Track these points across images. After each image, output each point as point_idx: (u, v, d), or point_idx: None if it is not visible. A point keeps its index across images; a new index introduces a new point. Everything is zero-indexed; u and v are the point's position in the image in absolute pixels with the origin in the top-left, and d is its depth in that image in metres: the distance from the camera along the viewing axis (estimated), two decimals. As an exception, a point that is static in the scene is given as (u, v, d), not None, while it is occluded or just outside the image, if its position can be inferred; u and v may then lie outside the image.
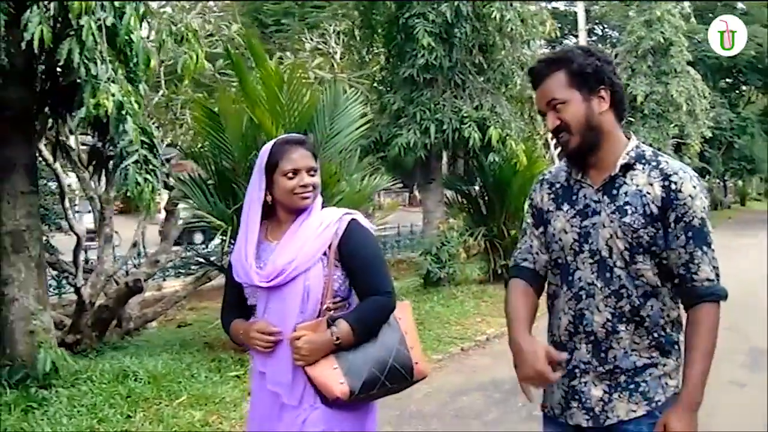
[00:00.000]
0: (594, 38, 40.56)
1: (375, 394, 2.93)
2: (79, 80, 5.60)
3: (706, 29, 34.99)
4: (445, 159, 14.68)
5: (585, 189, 2.70)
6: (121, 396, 6.52)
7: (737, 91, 44.05)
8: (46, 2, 5.46)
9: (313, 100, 8.44)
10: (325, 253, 2.96)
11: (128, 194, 6.14)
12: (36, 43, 5.26)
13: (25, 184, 6.64)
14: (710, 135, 32.45)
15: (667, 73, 28.84)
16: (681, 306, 2.67)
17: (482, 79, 13.26)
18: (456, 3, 12.30)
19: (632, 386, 2.63)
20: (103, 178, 9.13)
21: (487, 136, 12.79)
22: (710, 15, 34.95)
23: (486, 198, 14.09)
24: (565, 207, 2.74)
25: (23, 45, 5.29)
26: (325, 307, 2.93)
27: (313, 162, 3.02)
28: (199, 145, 8.81)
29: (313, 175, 3.01)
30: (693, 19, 31.09)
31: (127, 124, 5.64)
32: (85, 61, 5.34)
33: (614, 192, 2.63)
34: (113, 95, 5.39)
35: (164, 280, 15.48)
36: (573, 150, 2.65)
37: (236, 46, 9.73)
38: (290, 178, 2.96)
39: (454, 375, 8.00)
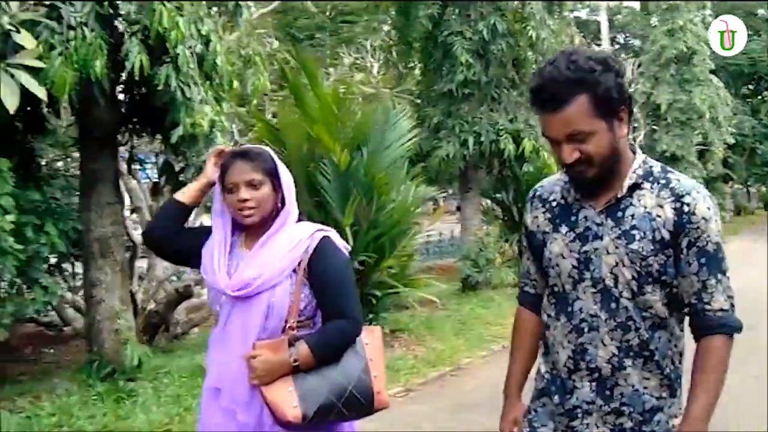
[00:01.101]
0: (617, 47, 40.98)
1: (329, 420, 2.82)
2: (165, 102, 6.32)
3: (729, 37, 35.47)
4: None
5: (586, 210, 2.43)
6: (200, 388, 7.17)
7: (759, 98, 44.28)
8: (143, 33, 6.11)
9: (365, 115, 9.10)
10: (294, 270, 2.85)
11: (207, 204, 6.80)
12: (137, 71, 5.92)
13: (110, 195, 7.31)
14: (733, 141, 32.64)
15: (690, 81, 29.12)
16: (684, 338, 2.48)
17: (516, 93, 13.87)
18: (492, 21, 12.94)
19: None
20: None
21: (521, 148, 13.40)
22: (732, 22, 35.47)
23: (519, 206, 14.71)
24: (564, 229, 2.48)
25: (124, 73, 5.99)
26: (288, 325, 2.82)
27: (255, 174, 2.83)
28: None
29: (256, 188, 2.83)
30: (715, 28, 31.47)
31: (216, 140, 6.31)
32: (181, 85, 6.02)
33: (619, 215, 2.37)
34: (206, 115, 6.05)
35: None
36: (590, 181, 2.36)
37: (276, 62, 10.28)
38: (231, 193, 2.85)
39: (498, 369, 8.57)
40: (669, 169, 2.42)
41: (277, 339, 2.77)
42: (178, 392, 7.00)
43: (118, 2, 6.06)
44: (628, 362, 2.39)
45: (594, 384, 2.43)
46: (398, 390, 7.67)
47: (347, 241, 7.87)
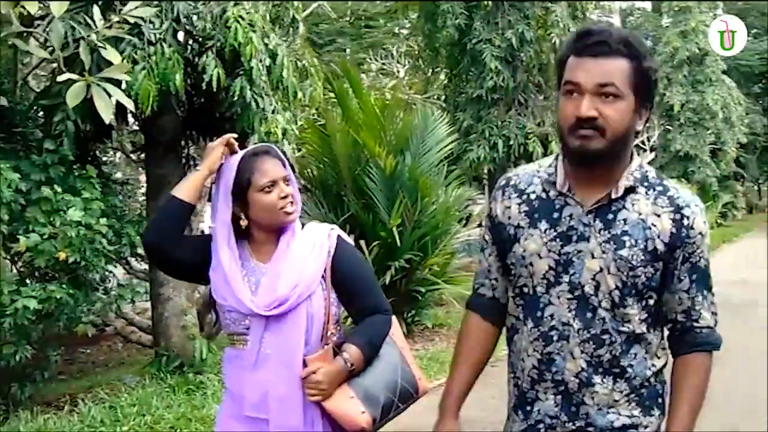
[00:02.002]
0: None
1: (389, 419, 2.75)
2: (235, 111, 6.79)
3: (740, 37, 35.74)
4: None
5: (572, 207, 2.21)
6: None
7: (770, 97, 44.67)
8: (217, 47, 6.56)
9: (406, 121, 9.58)
10: (322, 275, 2.71)
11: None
12: (214, 83, 6.39)
13: (177, 200, 7.76)
14: (745, 140, 33.08)
15: (703, 82, 29.50)
16: (667, 354, 2.35)
17: (542, 97, 14.38)
18: (520, 29, 13.42)
19: None
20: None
21: (549, 150, 13.88)
22: (744, 21, 35.82)
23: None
24: (543, 225, 2.24)
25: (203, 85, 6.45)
26: (329, 333, 2.71)
27: (285, 170, 2.72)
28: (310, 162, 9.82)
29: (289, 185, 2.70)
30: (727, 29, 31.87)
31: (285, 147, 6.78)
32: (254, 96, 6.49)
33: (610, 217, 2.17)
34: (279, 123, 6.53)
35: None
36: (592, 154, 2.12)
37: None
38: (268, 192, 2.64)
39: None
40: (663, 176, 2.28)
41: (324, 350, 2.66)
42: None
43: (194, 19, 6.51)
44: (597, 378, 2.20)
45: (559, 398, 2.25)
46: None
47: (394, 241, 8.47)
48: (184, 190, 2.71)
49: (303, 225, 2.78)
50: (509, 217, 2.31)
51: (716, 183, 30.59)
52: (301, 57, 7.59)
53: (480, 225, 12.39)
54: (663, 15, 33.35)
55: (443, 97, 15.43)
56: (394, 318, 2.86)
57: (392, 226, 8.75)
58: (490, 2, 13.65)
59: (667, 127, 29.28)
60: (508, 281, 2.37)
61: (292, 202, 2.69)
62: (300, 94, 7.17)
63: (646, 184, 2.21)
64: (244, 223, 2.69)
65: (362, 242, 8.84)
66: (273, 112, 6.65)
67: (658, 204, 2.18)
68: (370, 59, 16.51)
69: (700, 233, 2.19)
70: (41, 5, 5.64)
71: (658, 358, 2.28)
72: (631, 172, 2.19)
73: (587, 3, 14.65)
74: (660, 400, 2.28)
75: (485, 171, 15.29)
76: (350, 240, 2.87)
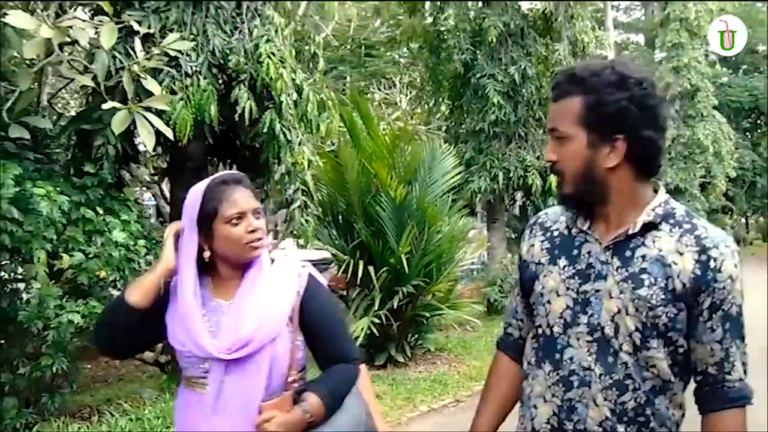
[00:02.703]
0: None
1: None
2: (263, 141, 7.20)
3: (731, 73, 36.45)
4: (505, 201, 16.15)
5: (591, 244, 2.13)
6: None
7: (759, 132, 45.34)
8: (249, 81, 6.96)
9: (415, 153, 9.99)
10: (289, 317, 2.53)
11: (293, 231, 7.66)
12: (247, 115, 6.79)
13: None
14: (734, 174, 33.63)
15: (694, 117, 30.00)
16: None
17: (541, 131, 14.81)
18: (523, 66, 13.92)
19: None
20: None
21: (547, 183, 14.31)
22: (733, 59, 36.61)
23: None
24: (562, 262, 2.16)
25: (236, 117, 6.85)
26: (291, 380, 2.51)
27: (256, 202, 2.55)
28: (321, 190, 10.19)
29: (258, 218, 2.53)
30: (718, 65, 32.52)
31: (306, 176, 7.19)
32: (283, 128, 6.89)
33: (628, 254, 2.07)
34: (305, 154, 6.95)
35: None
36: (564, 198, 2.17)
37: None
38: (235, 225, 2.47)
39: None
40: (694, 214, 2.13)
41: (282, 396, 2.45)
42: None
43: (227, 53, 6.92)
44: (620, 428, 2.06)
45: None
46: (450, 401, 8.51)
47: (402, 268, 8.85)
48: (137, 293, 2.46)
49: (272, 260, 2.60)
50: (532, 255, 2.26)
51: (706, 216, 31.08)
52: (320, 90, 7.99)
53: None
54: (656, 50, 33.92)
55: (444, 128, 15.83)
56: (363, 368, 2.70)
57: (401, 253, 9.13)
58: (494, 38, 14.09)
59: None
60: (531, 321, 2.29)
61: (260, 237, 2.51)
62: (322, 127, 7.58)
63: (671, 221, 2.08)
64: (207, 254, 2.51)
65: (371, 268, 9.25)
66: (299, 144, 7.07)
67: (682, 242, 2.04)
68: (373, 89, 16.92)
69: (730, 277, 2.02)
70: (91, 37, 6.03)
71: (680, 409, 2.14)
72: (653, 208, 2.08)
73: (586, 39, 15.05)
74: None
75: (481, 201, 15.69)
76: (323, 280, 2.68)
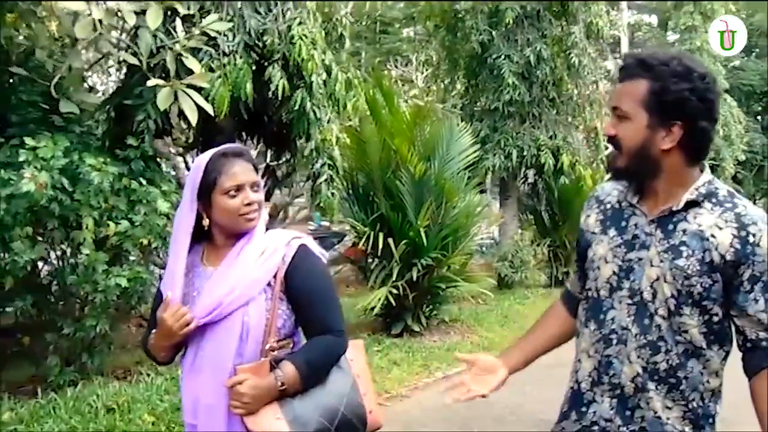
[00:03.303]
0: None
1: None
2: (292, 118, 7.59)
3: (742, 57, 36.54)
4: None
5: (638, 217, 2.32)
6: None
7: (769, 115, 45.51)
8: (282, 60, 7.35)
9: (434, 130, 10.36)
10: (269, 284, 2.57)
11: (320, 204, 8.07)
12: (279, 93, 7.18)
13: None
14: (743, 158, 33.85)
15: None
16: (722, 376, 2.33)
17: (555, 112, 15.18)
18: (538, 47, 14.26)
19: None
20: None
21: (559, 162, 14.68)
22: (747, 41, 36.76)
23: (552, 213, 16.08)
24: (612, 232, 2.37)
25: (269, 94, 7.25)
26: (268, 347, 2.54)
27: (255, 176, 2.64)
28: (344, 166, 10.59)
29: (256, 191, 2.62)
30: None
31: (335, 152, 7.60)
32: (313, 106, 7.29)
33: (670, 227, 2.24)
34: (333, 131, 7.35)
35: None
36: (617, 170, 2.35)
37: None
38: (232, 197, 2.56)
39: (547, 358, 9.83)
40: (737, 195, 2.30)
41: (259, 362, 2.50)
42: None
43: (262, 34, 7.30)
44: (651, 385, 2.24)
45: (615, 401, 2.31)
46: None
47: (421, 241, 9.25)
48: (163, 356, 2.70)
49: (267, 229, 2.69)
50: (588, 225, 2.48)
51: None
52: (346, 70, 8.36)
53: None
54: (669, 32, 34.07)
55: (459, 106, 16.16)
56: (359, 343, 2.78)
57: (420, 226, 9.52)
58: (511, 20, 14.43)
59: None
60: (583, 284, 2.51)
61: (256, 210, 2.60)
62: (349, 105, 7.98)
63: (714, 200, 2.24)
64: (206, 222, 2.62)
65: (390, 240, 9.65)
66: (328, 121, 7.47)
67: (722, 218, 2.20)
68: (390, 66, 17.26)
69: None
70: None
71: (716, 376, 2.28)
72: (697, 188, 2.24)
73: (601, 22, 15.35)
74: (711, 419, 2.29)
75: (493, 179, 16.07)
76: (320, 251, 2.72)
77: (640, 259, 2.26)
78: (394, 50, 20.82)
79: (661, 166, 2.25)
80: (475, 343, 10.14)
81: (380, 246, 9.65)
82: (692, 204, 2.24)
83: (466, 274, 10.82)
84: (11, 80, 7.19)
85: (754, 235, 2.17)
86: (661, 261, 2.22)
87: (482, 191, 14.98)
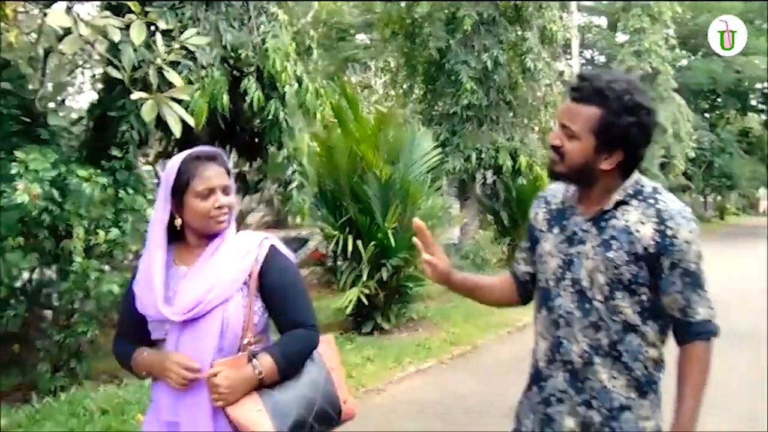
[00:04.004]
0: (583, 61, 42.80)
1: None
2: (265, 127, 7.94)
3: (689, 56, 37.32)
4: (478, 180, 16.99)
5: (576, 216, 2.63)
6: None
7: (717, 113, 46.52)
8: (257, 73, 7.70)
9: (398, 135, 10.76)
10: (245, 282, 2.66)
11: (290, 209, 8.43)
12: (255, 104, 7.53)
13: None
14: (693, 155, 34.64)
15: (654, 99, 30.74)
16: (663, 346, 2.62)
17: (511, 114, 15.67)
18: (495, 53, 14.74)
19: (607, 430, 2.56)
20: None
21: (517, 163, 15.18)
22: (692, 41, 37.70)
23: (511, 212, 16.59)
24: (556, 230, 2.68)
25: (244, 105, 7.60)
26: (246, 341, 2.62)
27: (227, 179, 2.71)
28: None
29: (228, 195, 2.70)
30: (677, 49, 33.50)
31: (303, 160, 7.97)
32: (286, 116, 7.65)
33: (602, 224, 2.55)
34: (305, 140, 7.72)
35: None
36: (558, 175, 2.61)
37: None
38: (204, 199, 2.62)
39: (508, 348, 10.19)
40: (661, 191, 2.56)
41: (237, 356, 2.60)
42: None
43: (238, 48, 7.65)
44: (597, 359, 2.53)
45: (567, 375, 2.59)
46: (433, 363, 9.33)
47: (389, 242, 9.64)
48: (140, 373, 2.76)
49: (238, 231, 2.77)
50: (537, 222, 2.79)
51: (665, 194, 32.05)
52: (314, 80, 8.72)
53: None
54: (618, 33, 34.81)
55: (419, 111, 16.54)
56: (330, 337, 2.87)
57: (388, 228, 9.91)
58: (468, 27, 14.88)
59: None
60: (535, 276, 2.81)
61: (226, 213, 2.68)
62: (319, 115, 8.35)
63: (640, 197, 2.52)
64: (178, 222, 2.68)
65: (359, 242, 10.03)
66: (299, 130, 7.85)
67: (645, 214, 2.49)
68: (349, 72, 17.63)
69: (686, 242, 2.46)
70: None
71: (655, 347, 2.56)
72: (625, 189, 2.52)
73: (554, 27, 15.84)
74: (654, 385, 2.59)
75: (451, 180, 16.51)
76: (289, 253, 2.83)
77: (579, 253, 2.57)
78: (351, 57, 21.13)
79: (597, 179, 2.54)
80: (443, 339, 10.52)
81: (350, 248, 10.02)
82: (621, 203, 2.53)
83: (432, 273, 11.19)
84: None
85: (671, 229, 2.46)
86: (595, 254, 2.52)
87: (441, 194, 15.46)
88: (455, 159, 15.18)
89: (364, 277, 10.05)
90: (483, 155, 15.24)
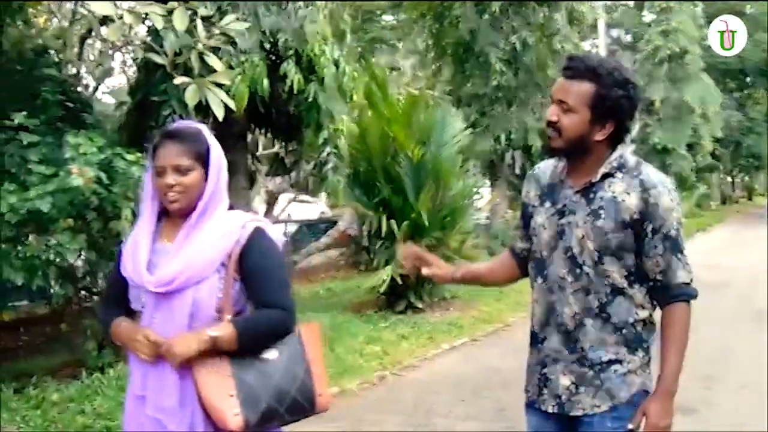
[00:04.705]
0: (609, 41, 42.57)
1: (270, 426, 2.67)
2: (303, 110, 8.14)
3: (718, 36, 37.03)
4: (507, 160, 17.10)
5: (566, 190, 2.78)
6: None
7: (745, 93, 46.20)
8: (296, 57, 7.88)
9: (429, 117, 10.94)
10: (223, 264, 2.63)
11: (326, 190, 8.63)
12: (295, 87, 7.72)
13: (244, 182, 9.12)
14: (721, 135, 34.55)
15: (682, 78, 30.81)
16: (652, 308, 2.78)
17: (540, 95, 15.77)
18: (524, 35, 14.84)
19: (598, 382, 2.72)
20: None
21: (545, 143, 15.26)
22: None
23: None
24: (547, 204, 2.82)
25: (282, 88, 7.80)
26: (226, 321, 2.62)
27: (183, 159, 2.62)
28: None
29: (182, 174, 2.62)
30: (705, 29, 33.33)
31: (340, 142, 8.16)
32: (324, 99, 7.84)
33: (591, 196, 2.71)
34: (344, 122, 7.91)
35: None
36: (555, 150, 2.76)
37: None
38: (159, 177, 2.64)
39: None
40: (644, 163, 2.77)
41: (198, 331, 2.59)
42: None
43: (277, 33, 7.83)
44: (588, 321, 2.70)
45: (561, 336, 2.76)
46: (466, 340, 9.55)
47: (422, 222, 9.83)
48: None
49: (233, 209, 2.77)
50: (529, 199, 2.95)
51: (693, 175, 32.05)
52: (348, 62, 8.89)
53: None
54: (645, 11, 34.65)
55: (447, 92, 16.66)
56: (314, 326, 2.84)
57: (420, 208, 10.12)
58: (497, 9, 14.99)
59: (647, 121, 30.58)
60: (530, 248, 2.92)
61: (177, 192, 2.63)
62: (356, 97, 8.54)
63: (624, 170, 2.71)
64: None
65: (393, 222, 10.23)
66: (338, 112, 8.04)
67: (630, 185, 2.67)
68: (377, 54, 17.76)
69: (667, 209, 2.66)
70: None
71: (643, 308, 2.73)
72: (610, 162, 2.71)
73: (582, 8, 15.93)
74: (645, 344, 2.76)
75: (481, 161, 16.62)
76: (277, 236, 2.80)
77: (570, 223, 2.73)
78: (377, 38, 21.22)
79: (591, 151, 2.70)
80: (475, 317, 10.75)
81: (384, 228, 10.23)
82: (607, 175, 2.70)
83: (464, 252, 11.41)
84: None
85: (653, 196, 2.65)
86: (585, 223, 2.68)
87: (481, 173, 15.65)
88: (485, 140, 15.31)
89: (398, 257, 10.21)
90: (512, 136, 15.38)
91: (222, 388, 2.55)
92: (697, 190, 34.14)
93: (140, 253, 2.66)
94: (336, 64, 8.11)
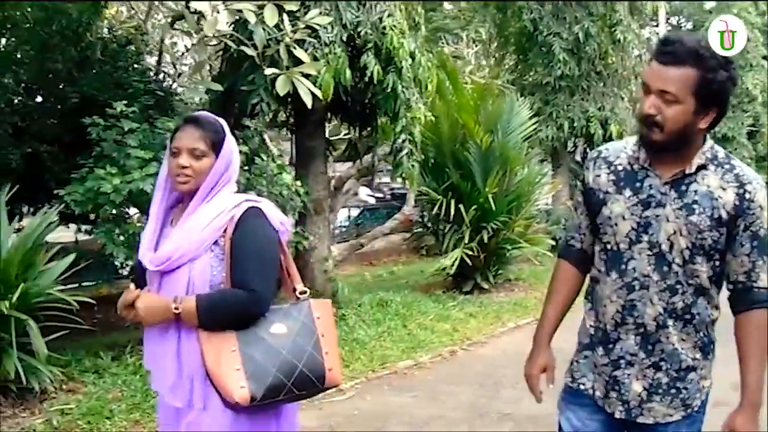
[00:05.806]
0: (669, 29, 42.15)
1: (280, 400, 2.70)
2: (380, 99, 8.58)
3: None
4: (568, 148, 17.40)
5: (651, 179, 2.58)
6: (386, 314, 9.49)
7: (808, 80, 45.50)
8: (375, 49, 8.32)
9: (496, 105, 11.37)
10: (217, 243, 2.73)
11: (401, 175, 9.08)
12: (375, 78, 8.16)
13: (322, 167, 9.60)
14: (782, 123, 34.23)
15: (743, 66, 30.31)
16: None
17: (602, 84, 16.05)
18: (586, 25, 15.16)
19: (673, 391, 2.63)
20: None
21: (608, 132, 15.57)
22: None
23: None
24: (627, 193, 2.61)
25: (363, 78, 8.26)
26: None
27: (200, 144, 2.72)
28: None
29: (196, 158, 2.72)
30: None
31: (415, 130, 8.62)
32: (403, 89, 8.29)
33: (683, 188, 2.54)
34: (421, 111, 8.36)
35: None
36: (655, 145, 2.53)
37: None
38: (173, 157, 2.74)
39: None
40: (731, 156, 2.61)
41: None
42: (376, 317, 9.32)
43: (357, 26, 8.28)
44: (670, 322, 2.58)
45: (639, 338, 2.62)
46: (531, 320, 9.93)
47: (489, 206, 10.26)
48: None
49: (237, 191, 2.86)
50: (599, 185, 2.70)
51: (753, 164, 31.82)
52: (423, 54, 9.30)
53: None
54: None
55: (511, 81, 16.96)
56: (327, 303, 2.91)
57: (489, 193, 10.59)
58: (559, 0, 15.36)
59: (707, 110, 30.39)
60: (596, 238, 2.75)
61: (187, 175, 2.71)
62: (430, 87, 8.99)
63: (716, 162, 2.56)
64: None
65: (461, 207, 10.69)
66: (415, 102, 8.50)
67: (725, 179, 2.53)
68: (442, 44, 18.07)
69: (760, 206, 2.53)
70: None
71: (717, 310, 2.66)
72: (704, 152, 2.55)
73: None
74: (713, 346, 2.70)
75: (545, 149, 16.95)
76: (277, 217, 2.87)
77: (657, 216, 2.56)
78: (441, 27, 21.49)
79: (693, 141, 2.55)
80: (539, 299, 11.04)
81: (452, 212, 10.71)
82: (701, 167, 2.56)
83: (528, 236, 11.82)
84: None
85: (750, 192, 2.52)
86: (677, 217, 2.53)
87: (542, 160, 15.99)
88: (548, 128, 15.63)
89: (466, 239, 10.70)
90: (575, 124, 15.68)
91: (228, 362, 2.61)
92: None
93: (146, 235, 2.81)
94: (412, 55, 8.53)
